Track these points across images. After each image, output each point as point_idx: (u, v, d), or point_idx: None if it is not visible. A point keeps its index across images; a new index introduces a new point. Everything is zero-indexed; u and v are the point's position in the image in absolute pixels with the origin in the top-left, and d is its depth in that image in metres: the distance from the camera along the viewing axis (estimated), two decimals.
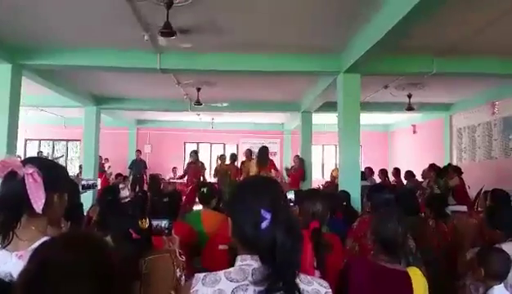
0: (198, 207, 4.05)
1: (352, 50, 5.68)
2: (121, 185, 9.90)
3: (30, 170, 1.45)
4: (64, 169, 1.72)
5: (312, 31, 5.26)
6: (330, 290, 1.26)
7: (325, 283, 1.27)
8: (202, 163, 10.96)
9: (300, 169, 9.87)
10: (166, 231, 2.26)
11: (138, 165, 12.70)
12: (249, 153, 9.49)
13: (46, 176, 1.48)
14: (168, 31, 4.35)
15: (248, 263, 1.20)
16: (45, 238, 1.43)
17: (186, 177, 10.68)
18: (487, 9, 4.43)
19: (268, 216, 1.17)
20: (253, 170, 8.56)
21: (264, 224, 1.16)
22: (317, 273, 2.07)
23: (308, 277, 1.26)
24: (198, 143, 15.26)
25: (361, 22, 4.85)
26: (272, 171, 8.71)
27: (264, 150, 8.93)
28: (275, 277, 1.14)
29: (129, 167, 12.67)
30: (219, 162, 10.22)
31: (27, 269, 1.06)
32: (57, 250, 1.08)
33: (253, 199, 1.24)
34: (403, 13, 3.89)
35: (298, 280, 1.19)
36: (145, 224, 2.07)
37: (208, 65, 6.27)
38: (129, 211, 2.15)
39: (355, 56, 5.53)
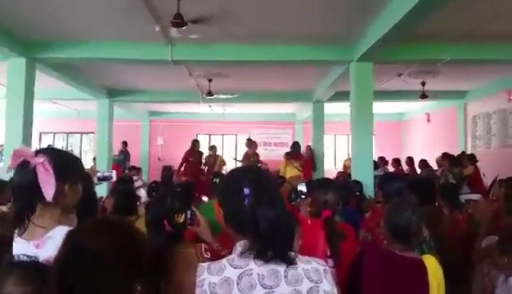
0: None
1: (364, 38, 5.62)
2: (135, 177, 10.00)
3: (41, 159, 1.48)
4: (76, 160, 1.71)
5: (323, 20, 5.21)
6: (328, 268, 1.30)
7: (323, 262, 1.32)
8: (201, 155, 10.54)
9: (309, 159, 9.85)
10: (189, 222, 2.26)
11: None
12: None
13: (57, 166, 1.51)
14: (179, 21, 4.36)
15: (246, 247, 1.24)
16: (59, 227, 1.48)
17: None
18: None
19: (248, 191, 1.22)
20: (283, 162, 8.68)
21: (246, 201, 1.21)
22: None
23: (307, 257, 1.30)
24: (210, 134, 15.30)
25: (373, 10, 4.79)
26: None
27: (296, 144, 9.16)
28: (262, 246, 1.20)
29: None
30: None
31: (61, 254, 1.10)
32: (89, 235, 1.12)
33: (236, 182, 1.31)
34: (415, 1, 3.84)
35: (297, 260, 1.24)
36: (181, 218, 2.07)
37: (220, 56, 6.27)
38: (168, 202, 2.15)
39: (367, 44, 5.48)
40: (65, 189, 1.54)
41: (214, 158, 10.69)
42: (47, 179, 1.47)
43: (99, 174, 3.48)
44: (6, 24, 5.28)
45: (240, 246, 1.26)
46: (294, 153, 8.84)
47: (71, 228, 1.46)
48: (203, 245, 2.19)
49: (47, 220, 1.51)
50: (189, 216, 2.12)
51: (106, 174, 3.39)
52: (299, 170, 8.47)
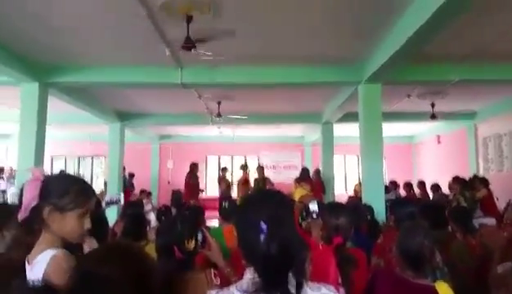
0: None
1: (372, 59, 5.64)
2: (145, 201, 10.02)
3: (32, 179, 1.51)
4: (76, 187, 1.59)
5: (331, 42, 5.25)
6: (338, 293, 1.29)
7: (333, 289, 1.30)
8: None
9: (318, 183, 9.82)
10: (200, 244, 2.22)
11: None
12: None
13: (46, 189, 1.51)
14: (188, 45, 4.42)
15: (256, 275, 1.23)
16: (47, 251, 1.47)
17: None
18: (508, 14, 4.34)
19: (265, 227, 1.20)
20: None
21: (262, 237, 1.19)
22: (342, 291, 2.03)
23: (317, 283, 1.28)
24: (219, 156, 15.34)
25: (380, 32, 4.82)
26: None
27: (304, 170, 9.15)
28: (268, 287, 1.17)
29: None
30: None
31: (71, 278, 1.10)
32: (99, 261, 1.12)
33: (253, 212, 1.28)
34: (422, 21, 3.87)
35: (307, 287, 1.22)
36: (192, 244, 2.04)
37: (229, 79, 6.32)
38: (178, 228, 2.11)
39: (375, 66, 5.50)
40: (45, 212, 1.50)
41: (223, 180, 10.81)
42: (25, 198, 1.49)
43: (107, 198, 3.50)
44: (20, 49, 5.40)
45: (249, 272, 1.24)
46: (303, 178, 8.82)
47: (59, 251, 1.46)
48: (212, 271, 2.16)
49: (41, 245, 1.52)
50: (200, 238, 2.09)
51: (114, 198, 3.41)
52: (306, 189, 8.44)
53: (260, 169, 10.59)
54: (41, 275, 1.40)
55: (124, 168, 12.33)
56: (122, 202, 3.48)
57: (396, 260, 2.15)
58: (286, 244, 1.20)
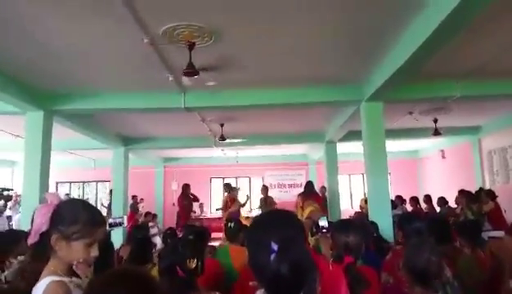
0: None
1: (373, 78, 5.69)
2: (150, 224, 10.00)
3: (45, 205, 1.52)
4: (83, 213, 1.58)
5: (332, 63, 5.31)
6: None
7: None
8: (192, 197, 10.93)
9: (323, 197, 9.82)
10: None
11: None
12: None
13: (56, 215, 1.53)
14: (191, 71, 4.48)
15: None
16: (47, 277, 1.48)
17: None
18: (508, 29, 4.39)
19: (276, 248, 1.19)
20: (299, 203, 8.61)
21: (273, 257, 1.19)
22: None
23: None
24: (223, 178, 15.33)
25: (380, 52, 4.87)
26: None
27: (309, 184, 9.05)
28: None
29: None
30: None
31: None
32: (107, 286, 1.12)
33: (264, 232, 1.29)
34: (422, 40, 3.92)
35: None
36: (193, 264, 2.06)
37: (231, 101, 6.38)
38: (179, 248, 2.15)
39: (376, 84, 5.54)
40: (54, 240, 1.51)
41: (231, 200, 10.72)
42: (35, 223, 1.50)
43: (110, 220, 3.51)
44: (25, 79, 5.49)
45: (259, 293, 1.24)
46: (310, 192, 8.74)
47: (56, 278, 1.46)
48: (217, 293, 2.16)
49: (45, 271, 1.53)
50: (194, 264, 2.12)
51: (118, 220, 3.41)
52: (314, 206, 8.37)
53: (264, 189, 10.59)
54: None
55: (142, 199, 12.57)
56: (125, 224, 3.47)
57: (404, 277, 2.13)
58: (297, 264, 1.20)
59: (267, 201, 10.26)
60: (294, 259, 1.20)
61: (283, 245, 1.20)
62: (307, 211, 8.07)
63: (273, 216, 1.46)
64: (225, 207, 9.86)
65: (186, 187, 10.63)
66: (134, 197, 12.20)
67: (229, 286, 3.03)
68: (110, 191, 11.15)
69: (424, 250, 2.07)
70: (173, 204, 14.01)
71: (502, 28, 4.35)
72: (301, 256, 1.23)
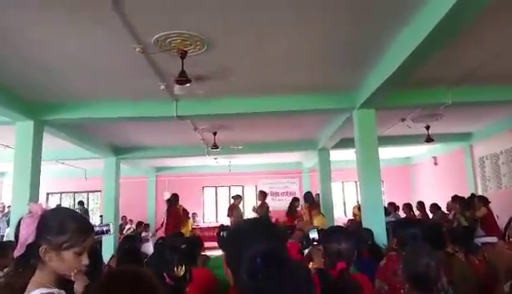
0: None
1: (364, 86, 5.71)
2: (144, 234, 9.90)
3: (29, 215, 1.48)
4: (71, 221, 1.54)
5: (324, 71, 5.32)
6: None
7: None
8: (183, 209, 10.88)
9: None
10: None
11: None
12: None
13: (41, 225, 1.48)
14: (183, 79, 4.45)
15: None
16: (36, 291, 1.43)
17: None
18: (500, 36, 4.43)
19: (260, 263, 1.11)
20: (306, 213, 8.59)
21: (257, 273, 1.11)
22: None
23: None
24: (216, 187, 15.29)
25: (372, 59, 4.89)
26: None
27: (309, 195, 9.07)
28: None
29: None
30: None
31: None
32: (107, 287, 1.08)
33: (247, 246, 1.18)
34: (412, 48, 3.95)
35: None
36: (181, 271, 2.03)
37: (223, 110, 6.36)
38: (167, 256, 2.11)
39: (368, 92, 5.56)
40: (43, 251, 1.47)
41: (236, 209, 10.72)
42: (21, 234, 1.46)
43: (97, 228, 3.43)
44: (14, 88, 5.43)
45: None
46: (314, 203, 8.75)
47: (49, 291, 1.42)
48: None
49: (33, 283, 1.48)
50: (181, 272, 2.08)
51: (104, 228, 3.33)
52: (324, 216, 8.37)
53: (261, 194, 10.58)
54: None
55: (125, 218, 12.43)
56: (111, 231, 3.38)
57: (401, 283, 2.10)
58: (284, 281, 1.14)
59: (260, 209, 10.22)
60: (280, 276, 1.13)
61: (269, 261, 1.13)
62: (316, 221, 8.03)
63: (254, 226, 1.35)
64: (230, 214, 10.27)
65: (175, 196, 10.42)
66: (123, 217, 12.12)
67: None
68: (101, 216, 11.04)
69: (423, 256, 2.06)
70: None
71: (492, 35, 4.40)
72: (287, 271, 1.17)
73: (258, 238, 1.20)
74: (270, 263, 1.12)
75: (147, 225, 11.80)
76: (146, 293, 1.12)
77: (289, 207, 9.75)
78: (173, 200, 10.18)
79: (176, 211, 10.13)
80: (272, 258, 1.14)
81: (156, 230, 11.38)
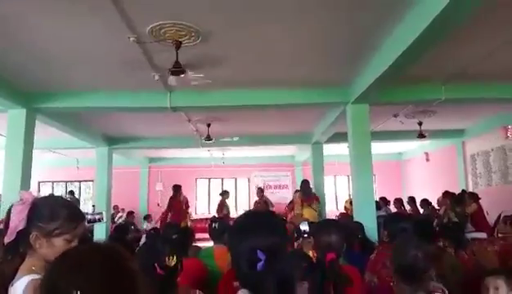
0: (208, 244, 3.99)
1: (359, 80, 5.72)
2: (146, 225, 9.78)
3: (21, 201, 1.48)
4: (63, 209, 1.55)
5: (319, 66, 5.33)
6: None
7: None
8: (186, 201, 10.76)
9: None
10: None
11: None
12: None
13: (32, 212, 1.49)
14: (177, 70, 4.43)
15: None
16: (25, 277, 1.43)
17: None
18: (493, 34, 4.45)
19: (263, 257, 1.14)
20: (298, 202, 8.53)
21: (259, 266, 1.14)
22: None
23: None
24: (209, 178, 15.28)
25: (366, 54, 4.91)
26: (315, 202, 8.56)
27: (306, 183, 8.95)
28: None
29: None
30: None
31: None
32: (65, 273, 1.00)
33: (249, 237, 1.24)
34: (407, 45, 3.97)
35: None
36: (172, 261, 2.03)
37: (218, 102, 6.35)
38: (158, 246, 2.11)
39: (362, 87, 5.58)
40: (33, 237, 1.48)
41: (224, 206, 10.75)
42: (12, 221, 1.47)
43: (89, 216, 3.42)
44: (7, 76, 5.38)
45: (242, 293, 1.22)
46: (309, 192, 8.66)
47: (36, 277, 1.41)
48: (198, 291, 2.14)
49: (22, 269, 1.48)
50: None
51: (97, 216, 3.32)
52: (315, 210, 8.32)
53: (259, 191, 10.67)
54: None
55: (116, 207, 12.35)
56: (104, 220, 3.38)
57: (391, 275, 2.13)
58: (285, 272, 1.16)
59: (260, 205, 10.31)
60: (282, 270, 1.15)
61: (270, 254, 1.16)
62: (305, 213, 8.04)
63: (258, 219, 1.41)
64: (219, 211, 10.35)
65: (177, 188, 10.17)
66: (115, 206, 12.06)
67: (213, 286, 3.00)
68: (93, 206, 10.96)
69: (411, 247, 2.08)
70: (158, 205, 13.92)
71: (486, 33, 4.43)
72: (288, 267, 1.19)
73: (259, 231, 1.26)
74: (269, 254, 1.15)
75: (149, 216, 11.76)
76: (119, 271, 1.05)
77: (292, 200, 9.68)
78: (175, 192, 9.96)
79: (178, 204, 9.92)
80: (271, 250, 1.17)
81: (161, 222, 11.11)
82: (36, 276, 1.43)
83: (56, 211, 1.52)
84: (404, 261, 2.04)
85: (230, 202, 11.53)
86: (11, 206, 1.51)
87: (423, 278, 2.05)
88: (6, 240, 1.46)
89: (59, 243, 1.50)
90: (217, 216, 10.45)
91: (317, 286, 1.75)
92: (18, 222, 1.46)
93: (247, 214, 1.48)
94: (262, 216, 1.47)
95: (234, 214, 11.64)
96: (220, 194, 11.26)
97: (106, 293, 0.98)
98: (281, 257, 1.20)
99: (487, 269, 2.91)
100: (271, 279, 1.13)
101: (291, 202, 9.68)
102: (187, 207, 11.00)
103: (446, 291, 2.17)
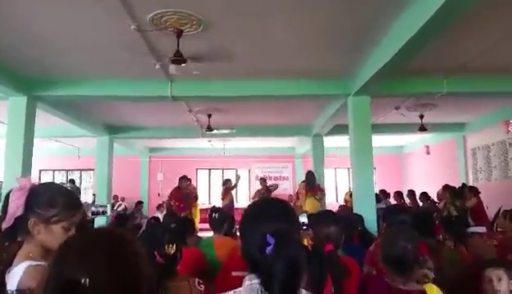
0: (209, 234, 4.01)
1: (360, 72, 5.70)
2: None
3: (19, 188, 1.48)
4: (61, 196, 1.56)
5: (320, 56, 5.30)
6: None
7: None
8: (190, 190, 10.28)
9: None
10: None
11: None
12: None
13: (30, 199, 1.49)
14: (178, 59, 4.42)
15: (256, 282, 1.21)
16: (23, 263, 1.43)
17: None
18: (496, 28, 4.42)
19: (272, 241, 1.17)
20: (302, 192, 8.58)
21: (268, 250, 1.17)
22: None
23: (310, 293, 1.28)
24: (210, 169, 15.30)
25: (368, 46, 4.88)
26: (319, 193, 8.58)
27: (311, 174, 8.93)
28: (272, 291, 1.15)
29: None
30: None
31: (46, 283, 1.01)
32: (72, 261, 1.01)
33: (260, 222, 1.28)
34: (408, 37, 3.96)
35: None
36: (172, 249, 2.06)
37: (219, 92, 6.33)
38: (158, 235, 2.13)
39: (364, 79, 5.55)
40: (32, 223, 1.48)
41: (228, 194, 10.77)
42: (10, 206, 1.47)
43: (93, 208, 3.44)
44: (8, 63, 5.36)
45: (249, 279, 1.23)
46: (313, 184, 8.62)
47: (33, 263, 1.42)
48: (196, 279, 2.16)
49: (20, 255, 1.49)
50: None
51: (101, 209, 3.34)
52: (318, 200, 8.32)
53: (262, 181, 10.82)
54: (15, 286, 1.36)
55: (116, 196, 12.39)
56: (108, 213, 3.40)
57: (383, 267, 2.14)
58: (294, 261, 1.18)
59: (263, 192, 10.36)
60: (291, 255, 1.17)
61: (280, 239, 1.18)
62: (307, 203, 8.05)
63: (269, 205, 1.43)
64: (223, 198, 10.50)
65: (182, 179, 10.00)
66: (115, 196, 12.11)
67: (212, 275, 3.02)
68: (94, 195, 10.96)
69: (400, 238, 2.08)
70: (158, 194, 13.96)
71: (488, 27, 4.40)
72: (297, 252, 1.21)
73: (269, 216, 1.30)
74: (278, 239, 1.18)
75: (161, 205, 11.74)
76: (124, 256, 1.06)
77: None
78: (180, 183, 9.63)
79: (178, 193, 9.77)
80: (283, 236, 1.20)
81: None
82: (33, 262, 1.44)
83: (55, 198, 1.53)
84: (393, 253, 2.05)
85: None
86: (9, 191, 1.51)
87: (413, 269, 2.05)
88: (4, 226, 1.47)
89: (57, 230, 1.50)
90: (221, 201, 10.58)
91: (315, 276, 1.76)
92: (16, 208, 1.46)
93: (257, 201, 1.51)
94: (272, 202, 1.50)
95: (236, 204, 11.66)
96: (223, 184, 11.25)
97: (113, 278, 1.00)
98: (291, 242, 1.23)
99: (486, 260, 2.92)
100: (279, 264, 1.15)
101: (297, 192, 9.76)
102: (195, 198, 10.79)
103: (432, 275, 2.18)
